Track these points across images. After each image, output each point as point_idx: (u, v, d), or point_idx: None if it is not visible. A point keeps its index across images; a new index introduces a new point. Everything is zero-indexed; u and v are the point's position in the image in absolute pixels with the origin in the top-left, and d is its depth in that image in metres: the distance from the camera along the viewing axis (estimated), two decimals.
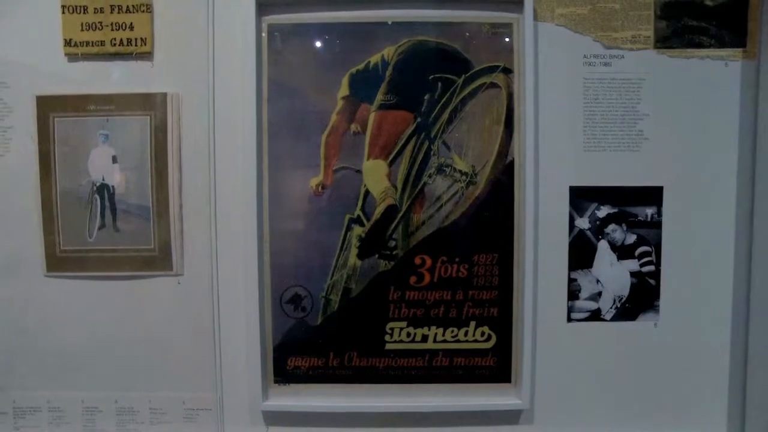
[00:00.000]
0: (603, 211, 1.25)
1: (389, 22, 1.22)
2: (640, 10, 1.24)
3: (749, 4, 1.24)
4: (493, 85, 1.23)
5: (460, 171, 1.24)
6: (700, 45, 1.25)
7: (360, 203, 1.24)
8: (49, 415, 1.33)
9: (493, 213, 1.24)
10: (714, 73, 1.25)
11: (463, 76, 1.23)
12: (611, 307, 1.27)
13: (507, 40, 1.23)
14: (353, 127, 1.23)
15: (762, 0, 1.23)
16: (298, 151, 1.24)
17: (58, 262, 1.30)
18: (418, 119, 1.23)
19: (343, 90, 1.23)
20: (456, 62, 1.23)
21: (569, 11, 1.24)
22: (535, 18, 1.23)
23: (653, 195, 1.25)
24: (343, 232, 1.25)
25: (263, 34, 1.23)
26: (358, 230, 1.24)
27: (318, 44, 1.24)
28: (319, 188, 1.24)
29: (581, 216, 1.25)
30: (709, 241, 1.27)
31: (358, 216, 1.24)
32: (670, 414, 1.30)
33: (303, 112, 1.23)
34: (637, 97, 1.24)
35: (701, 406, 1.30)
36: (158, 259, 1.28)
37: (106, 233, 1.28)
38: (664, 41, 1.25)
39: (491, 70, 1.23)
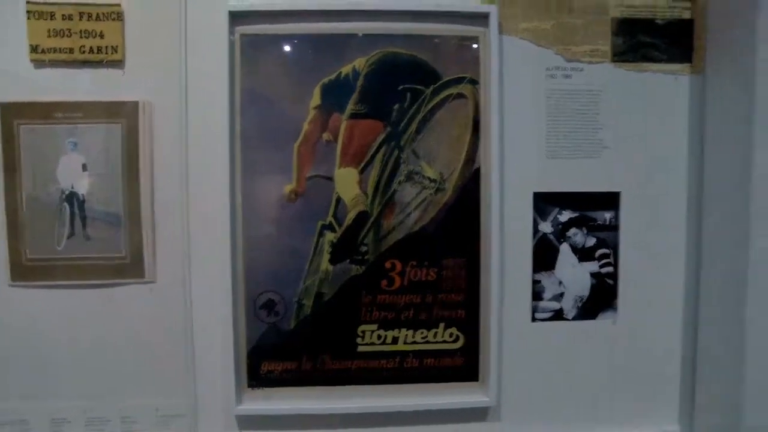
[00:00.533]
0: (565, 216, 1.32)
1: (360, 34, 1.26)
2: (598, 26, 1.31)
3: (694, 24, 1.33)
4: (461, 95, 1.28)
5: (428, 178, 1.28)
6: (652, 60, 1.33)
7: (332, 210, 1.27)
8: (12, 429, 1.30)
9: (461, 218, 1.29)
10: (665, 86, 1.33)
11: (432, 86, 1.27)
12: (573, 307, 1.34)
13: (474, 52, 1.28)
14: (325, 136, 1.26)
15: (706, 20, 1.32)
16: (271, 159, 1.26)
17: (23, 271, 1.28)
18: (389, 128, 1.27)
19: (315, 100, 1.26)
20: (425, 73, 1.27)
21: (533, 26, 1.30)
22: (501, 32, 1.29)
23: (611, 200, 1.32)
24: (315, 238, 1.27)
25: (236, 44, 1.25)
26: (330, 236, 1.27)
27: (290, 55, 1.26)
28: (292, 195, 1.26)
29: (544, 220, 1.31)
30: (662, 244, 1.35)
31: (330, 222, 1.27)
32: (626, 408, 1.37)
33: (276, 121, 1.26)
34: (596, 108, 1.31)
35: (655, 399, 1.39)
36: (130, 267, 1.28)
37: (76, 241, 1.27)
38: (620, 55, 1.32)
39: (458, 81, 1.28)
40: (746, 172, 1.20)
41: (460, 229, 1.29)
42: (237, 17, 1.25)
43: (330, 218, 1.27)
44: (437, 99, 1.28)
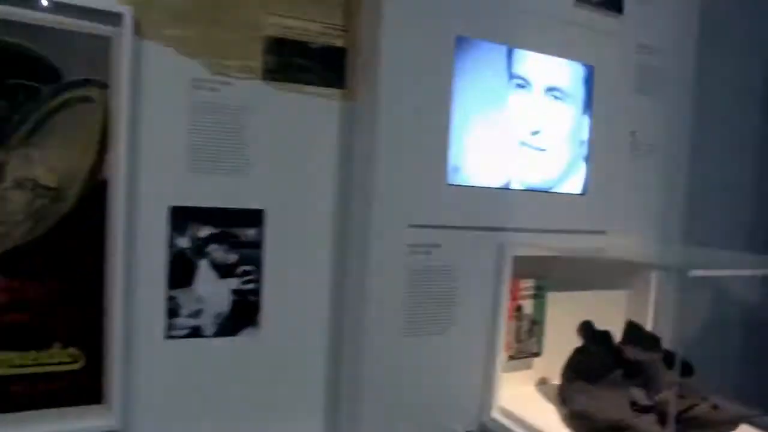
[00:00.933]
0: (205, 232, 1.29)
1: None
2: (250, 43, 1.31)
3: (347, 53, 1.39)
4: (88, 99, 1.19)
5: (44, 186, 1.17)
6: (305, 82, 1.36)
7: None
8: None
9: (85, 231, 1.20)
10: (317, 109, 1.38)
11: (52, 85, 1.16)
12: (212, 324, 1.32)
13: (106, 54, 1.19)
14: None
15: (356, 51, 1.38)
16: None
17: None
18: None
19: None
20: (43, 70, 1.15)
21: (177, 34, 1.25)
22: (140, 36, 1.22)
23: (255, 217, 1.33)
24: None
25: None
26: None
27: None
28: None
29: (182, 236, 1.28)
30: (307, 259, 1.40)
31: None
32: (271, 418, 1.40)
33: None
34: (244, 124, 1.31)
35: (303, 403, 1.43)
36: None
37: None
38: (271, 74, 1.33)
39: (85, 83, 1.18)
40: (371, 193, 1.29)
41: (84, 242, 1.20)
42: None
43: None
44: (59, 100, 1.17)
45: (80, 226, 1.20)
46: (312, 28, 1.36)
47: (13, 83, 1.14)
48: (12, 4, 1.12)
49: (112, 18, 1.19)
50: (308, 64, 1.36)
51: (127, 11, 1.19)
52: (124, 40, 1.19)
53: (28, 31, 1.14)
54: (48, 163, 1.17)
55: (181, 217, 1.27)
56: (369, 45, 1.33)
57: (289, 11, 1.33)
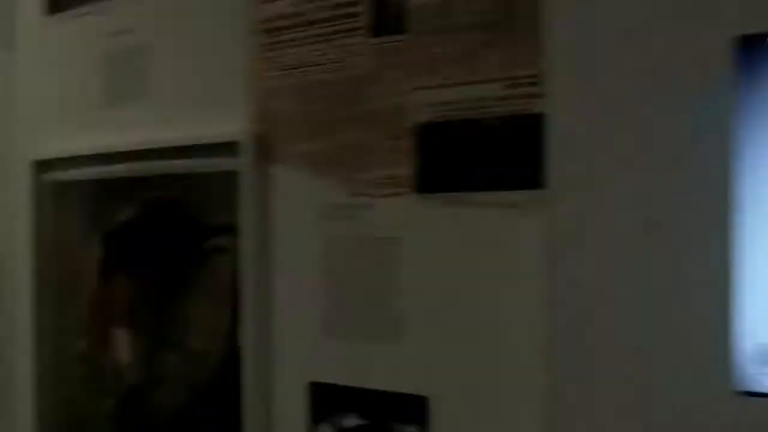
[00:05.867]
0: (351, 421, 0.90)
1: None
2: (393, 140, 0.86)
3: (546, 121, 0.75)
4: (223, 249, 0.99)
5: (191, 351, 1.02)
6: (480, 186, 0.81)
7: None
8: None
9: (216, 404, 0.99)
10: (504, 227, 0.79)
11: (193, 238, 1.01)
12: None
13: (234, 192, 0.97)
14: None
15: (564, 115, 0.73)
16: None
17: None
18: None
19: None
20: (186, 221, 1.02)
21: (305, 148, 0.93)
22: (266, 160, 0.95)
23: (416, 406, 0.85)
24: None
25: None
26: None
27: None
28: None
29: (324, 422, 0.92)
30: None
31: None
32: None
33: None
34: (394, 263, 0.86)
35: None
36: None
37: None
38: (428, 182, 0.84)
39: (221, 230, 0.99)
40: None
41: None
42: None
43: None
44: (198, 253, 1.01)
45: (214, 400, 1.00)
46: (485, 93, 0.80)
47: (164, 240, 1.05)
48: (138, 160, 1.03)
49: (233, 149, 0.97)
50: (482, 153, 0.81)
51: (243, 137, 0.95)
52: (247, 171, 0.95)
53: (170, 182, 1.04)
54: (186, 325, 1.03)
55: (323, 398, 0.92)
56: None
57: (447, 76, 0.82)
